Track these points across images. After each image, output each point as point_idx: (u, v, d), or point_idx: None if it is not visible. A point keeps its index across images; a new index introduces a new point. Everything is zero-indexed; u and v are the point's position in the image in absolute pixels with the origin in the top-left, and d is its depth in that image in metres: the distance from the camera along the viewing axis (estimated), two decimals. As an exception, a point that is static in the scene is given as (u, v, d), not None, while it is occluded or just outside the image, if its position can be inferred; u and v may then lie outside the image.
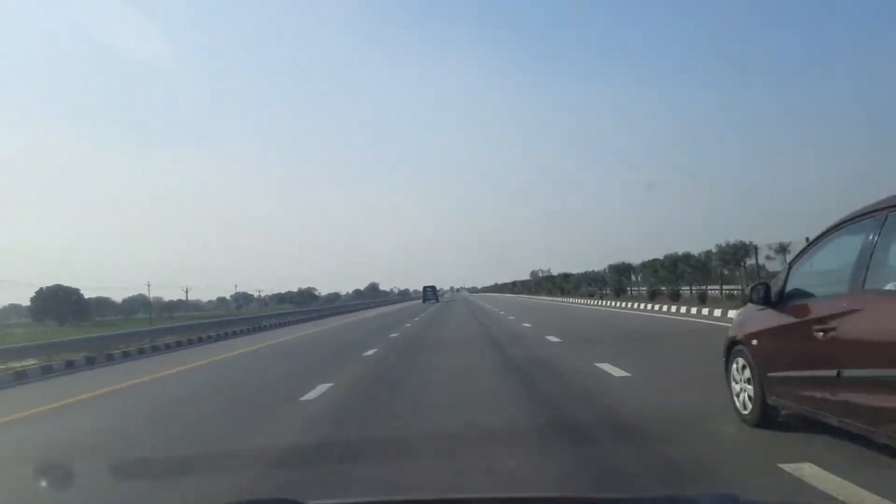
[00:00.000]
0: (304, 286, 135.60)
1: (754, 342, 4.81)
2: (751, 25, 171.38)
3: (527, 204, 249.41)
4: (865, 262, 3.61)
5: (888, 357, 3.26)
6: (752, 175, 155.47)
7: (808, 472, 3.68)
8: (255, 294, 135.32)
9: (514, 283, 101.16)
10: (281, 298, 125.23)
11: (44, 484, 5.17)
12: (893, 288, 3.45)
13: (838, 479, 3.51)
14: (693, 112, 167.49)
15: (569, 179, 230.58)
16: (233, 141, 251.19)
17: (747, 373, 4.87)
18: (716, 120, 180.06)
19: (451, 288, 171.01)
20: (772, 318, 4.58)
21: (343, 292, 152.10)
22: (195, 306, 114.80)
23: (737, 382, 5.05)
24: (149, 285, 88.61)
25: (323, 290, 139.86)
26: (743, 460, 4.28)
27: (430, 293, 76.17)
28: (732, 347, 5.17)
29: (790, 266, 4.71)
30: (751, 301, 4.92)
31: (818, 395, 3.90)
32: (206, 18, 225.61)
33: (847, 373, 3.59)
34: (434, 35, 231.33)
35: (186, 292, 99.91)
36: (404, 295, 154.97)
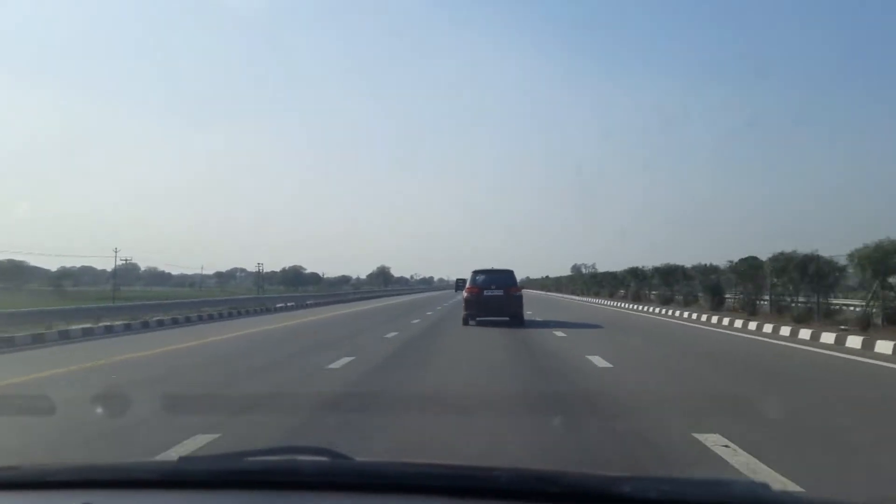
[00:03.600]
0: (306, 267, 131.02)
1: (459, 297, 25.73)
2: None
3: (566, 194, 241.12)
4: (466, 280, 21.49)
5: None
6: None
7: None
8: (251, 271, 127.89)
9: (545, 278, 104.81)
10: (271, 278, 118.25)
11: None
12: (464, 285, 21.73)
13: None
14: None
15: (619, 174, 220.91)
16: (249, 118, 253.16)
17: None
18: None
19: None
20: (461, 295, 22.18)
21: (353, 276, 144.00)
22: (186, 281, 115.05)
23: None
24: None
25: (319, 272, 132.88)
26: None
27: (461, 284, 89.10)
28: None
29: (466, 281, 21.21)
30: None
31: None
32: None
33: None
34: (464, 18, 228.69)
35: (202, 268, 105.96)
36: (428, 283, 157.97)
